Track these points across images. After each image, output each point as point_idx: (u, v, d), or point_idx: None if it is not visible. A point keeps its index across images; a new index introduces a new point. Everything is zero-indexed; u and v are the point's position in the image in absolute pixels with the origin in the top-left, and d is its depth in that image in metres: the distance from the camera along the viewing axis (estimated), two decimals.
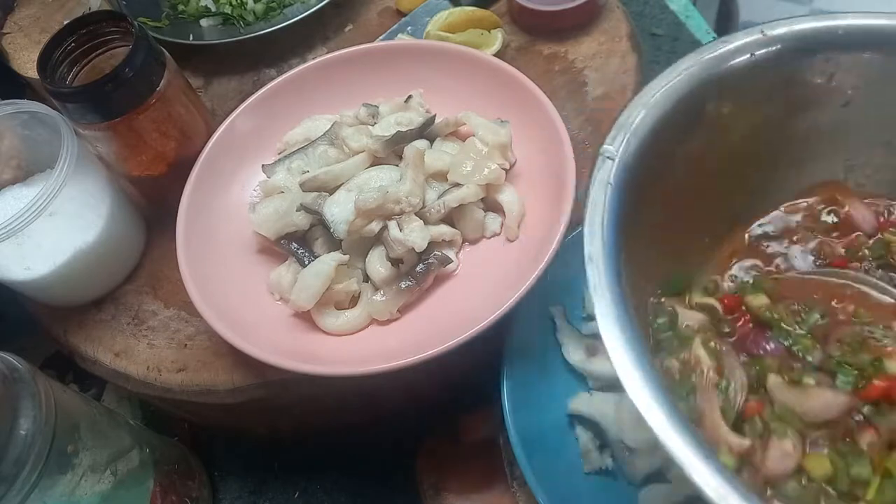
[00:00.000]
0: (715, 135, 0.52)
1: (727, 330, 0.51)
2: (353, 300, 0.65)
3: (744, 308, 0.51)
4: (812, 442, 0.45)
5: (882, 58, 0.50)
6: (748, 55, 0.50)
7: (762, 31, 0.50)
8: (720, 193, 0.54)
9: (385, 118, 0.71)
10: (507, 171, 0.67)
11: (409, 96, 0.73)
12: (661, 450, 0.35)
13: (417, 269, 0.63)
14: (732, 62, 0.50)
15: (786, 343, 0.49)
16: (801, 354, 0.48)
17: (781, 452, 0.44)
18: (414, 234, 0.62)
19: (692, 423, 0.45)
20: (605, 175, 0.45)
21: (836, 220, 0.56)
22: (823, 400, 0.45)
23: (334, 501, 0.75)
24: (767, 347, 0.49)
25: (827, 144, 0.55)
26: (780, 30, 0.50)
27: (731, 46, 0.50)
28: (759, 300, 0.51)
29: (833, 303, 0.51)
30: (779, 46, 0.50)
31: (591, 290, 0.41)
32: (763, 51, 0.50)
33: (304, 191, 0.67)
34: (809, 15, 0.50)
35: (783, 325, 0.49)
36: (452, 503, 0.67)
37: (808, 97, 0.52)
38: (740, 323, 0.51)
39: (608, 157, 0.45)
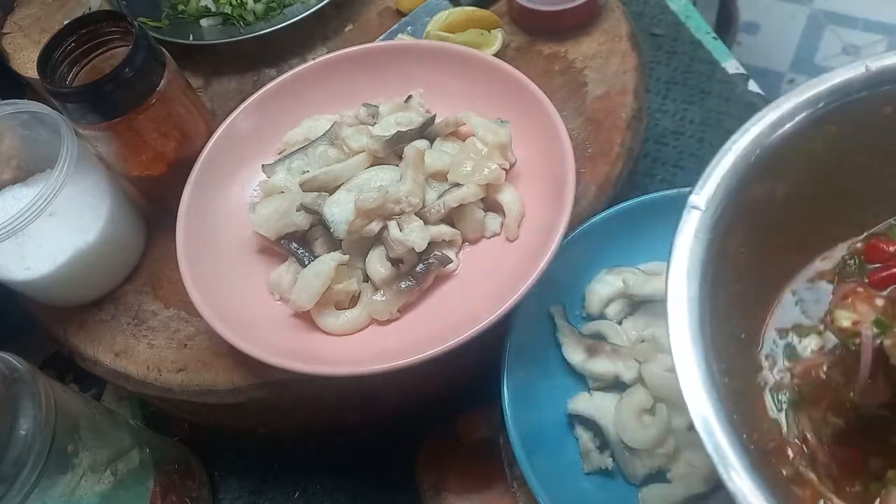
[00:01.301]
0: (814, 172, 0.48)
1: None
2: (353, 300, 0.65)
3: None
4: None
5: None
6: (848, 95, 0.46)
7: (866, 66, 0.45)
8: (824, 218, 0.50)
9: (385, 118, 0.71)
10: (507, 171, 0.67)
11: (409, 96, 0.73)
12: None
13: (417, 269, 0.63)
14: (832, 103, 0.46)
15: None
16: None
17: None
18: (414, 234, 0.62)
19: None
20: (692, 227, 0.43)
21: None
22: None
23: (334, 501, 0.75)
24: None
25: None
26: (888, 62, 0.45)
27: (828, 86, 0.46)
28: None
29: None
30: (887, 81, 0.45)
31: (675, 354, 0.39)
32: (867, 91, 0.45)
33: (304, 191, 0.67)
34: None
35: None
36: (452, 503, 0.67)
37: None
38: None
39: (695, 208, 0.43)
